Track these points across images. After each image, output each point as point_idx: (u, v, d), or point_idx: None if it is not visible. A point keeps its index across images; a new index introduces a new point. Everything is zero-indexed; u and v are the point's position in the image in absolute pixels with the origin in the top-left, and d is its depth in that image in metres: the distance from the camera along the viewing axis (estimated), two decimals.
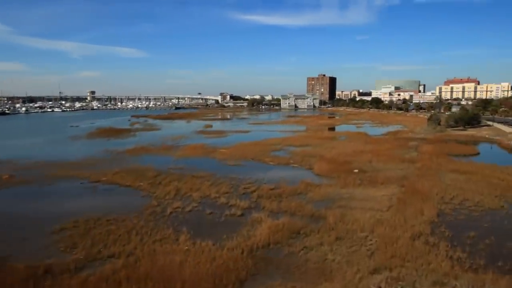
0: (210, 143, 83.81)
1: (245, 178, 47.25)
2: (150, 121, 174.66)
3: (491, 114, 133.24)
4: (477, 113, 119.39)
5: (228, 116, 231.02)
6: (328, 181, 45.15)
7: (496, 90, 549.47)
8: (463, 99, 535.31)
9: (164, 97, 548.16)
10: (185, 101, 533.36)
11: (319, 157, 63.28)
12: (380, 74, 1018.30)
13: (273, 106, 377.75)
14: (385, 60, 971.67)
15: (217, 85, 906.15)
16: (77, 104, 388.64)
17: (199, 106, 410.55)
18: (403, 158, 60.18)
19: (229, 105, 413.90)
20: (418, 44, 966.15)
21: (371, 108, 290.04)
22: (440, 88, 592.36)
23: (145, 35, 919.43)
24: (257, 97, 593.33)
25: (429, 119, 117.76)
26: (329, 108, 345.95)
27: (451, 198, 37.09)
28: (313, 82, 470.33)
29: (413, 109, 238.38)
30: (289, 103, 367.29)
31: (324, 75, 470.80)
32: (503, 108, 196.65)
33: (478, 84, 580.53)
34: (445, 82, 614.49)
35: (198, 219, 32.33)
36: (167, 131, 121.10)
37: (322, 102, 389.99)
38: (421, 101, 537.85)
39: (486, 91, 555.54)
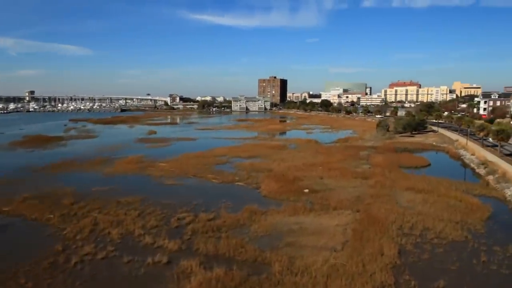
0: (150, 155, 75.90)
1: (182, 204, 40.69)
2: (89, 126, 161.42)
3: (436, 119, 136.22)
4: (423, 119, 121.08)
5: (177, 120, 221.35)
6: (275, 206, 39.75)
7: (436, 93, 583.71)
8: (406, 102, 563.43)
9: (111, 98, 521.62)
10: (134, 102, 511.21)
11: (267, 172, 58.14)
12: (329, 76, 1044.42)
13: (224, 109, 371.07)
14: (335, 63, 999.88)
15: (167, 86, 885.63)
16: (11, 106, 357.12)
17: (147, 108, 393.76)
18: (355, 172, 56.48)
19: (178, 107, 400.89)
20: (365, 47, 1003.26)
21: (320, 111, 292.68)
22: (386, 91, 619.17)
23: (91, 32, 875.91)
24: (209, 98, 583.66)
25: (378, 125, 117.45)
26: (280, 111, 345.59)
27: (410, 227, 33.09)
28: (264, 84, 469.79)
29: (361, 112, 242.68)
30: (240, 105, 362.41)
31: (275, 77, 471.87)
32: (446, 113, 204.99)
33: (420, 87, 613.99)
34: (390, 85, 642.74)
35: (110, 273, 25.40)
36: (105, 139, 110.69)
37: (273, 105, 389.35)
38: (368, 103, 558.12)
39: (427, 94, 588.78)
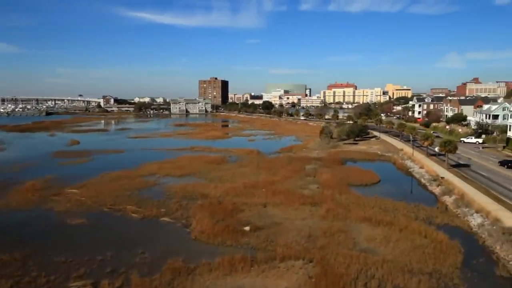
0: (62, 176, 63.27)
1: (82, 262, 30.46)
2: (1, 135, 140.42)
3: (376, 124, 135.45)
4: (365, 125, 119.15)
5: (109, 125, 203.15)
6: (208, 256, 30.99)
7: (371, 94, 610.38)
8: (344, 103, 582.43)
9: (38, 99, 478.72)
10: (65, 103, 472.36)
11: (202, 198, 49.28)
12: (270, 77, 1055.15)
13: (163, 111, 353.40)
14: (275, 64, 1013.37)
15: (102, 87, 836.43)
16: None
17: (77, 111, 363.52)
18: (303, 196, 49.33)
19: (113, 110, 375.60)
20: (304, 49, 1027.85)
21: (262, 113, 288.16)
22: (324, 92, 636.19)
23: (17, 28, 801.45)
24: (147, 99, 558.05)
25: (321, 132, 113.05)
26: (222, 113, 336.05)
27: (378, 286, 26.03)
28: (205, 85, 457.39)
29: (302, 114, 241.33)
30: (179, 108, 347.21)
31: (216, 78, 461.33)
32: (383, 115, 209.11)
33: (356, 88, 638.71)
34: (328, 86, 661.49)
35: None
36: (13, 153, 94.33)
37: (215, 107, 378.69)
38: (308, 105, 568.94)
39: (363, 95, 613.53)
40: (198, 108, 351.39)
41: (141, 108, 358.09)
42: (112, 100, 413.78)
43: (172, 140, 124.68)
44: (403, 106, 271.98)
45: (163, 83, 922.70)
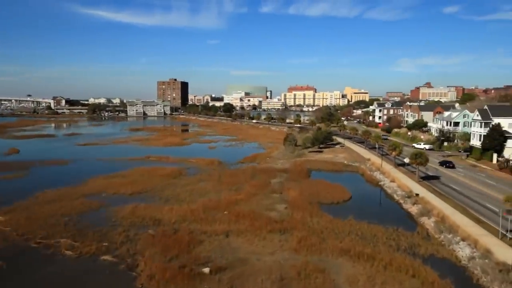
0: None
1: None
2: None
3: (340, 130, 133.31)
4: (330, 131, 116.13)
5: (58, 129, 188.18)
6: None
7: (330, 97, 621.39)
8: (304, 105, 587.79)
9: None
10: (12, 104, 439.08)
11: (154, 225, 42.49)
12: (231, 79, 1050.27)
13: (119, 113, 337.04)
14: (236, 65, 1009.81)
15: (54, 86, 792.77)
16: None
17: (24, 113, 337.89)
18: (270, 220, 43.71)
19: (64, 112, 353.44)
20: (265, 51, 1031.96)
21: (223, 116, 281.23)
22: (285, 95, 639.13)
23: None
24: (103, 101, 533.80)
25: (285, 140, 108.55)
26: (181, 116, 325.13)
27: None
28: (164, 86, 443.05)
29: (264, 118, 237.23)
30: (137, 110, 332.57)
31: (175, 80, 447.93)
32: (344, 119, 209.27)
33: (315, 91, 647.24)
34: (288, 88, 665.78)
35: None
36: None
37: (174, 109, 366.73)
38: (270, 107, 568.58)
39: (323, 98, 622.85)
40: (157, 110, 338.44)
41: (95, 110, 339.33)
42: (63, 101, 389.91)
43: (126, 148, 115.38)
44: (363, 110, 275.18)
45: (121, 84, 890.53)
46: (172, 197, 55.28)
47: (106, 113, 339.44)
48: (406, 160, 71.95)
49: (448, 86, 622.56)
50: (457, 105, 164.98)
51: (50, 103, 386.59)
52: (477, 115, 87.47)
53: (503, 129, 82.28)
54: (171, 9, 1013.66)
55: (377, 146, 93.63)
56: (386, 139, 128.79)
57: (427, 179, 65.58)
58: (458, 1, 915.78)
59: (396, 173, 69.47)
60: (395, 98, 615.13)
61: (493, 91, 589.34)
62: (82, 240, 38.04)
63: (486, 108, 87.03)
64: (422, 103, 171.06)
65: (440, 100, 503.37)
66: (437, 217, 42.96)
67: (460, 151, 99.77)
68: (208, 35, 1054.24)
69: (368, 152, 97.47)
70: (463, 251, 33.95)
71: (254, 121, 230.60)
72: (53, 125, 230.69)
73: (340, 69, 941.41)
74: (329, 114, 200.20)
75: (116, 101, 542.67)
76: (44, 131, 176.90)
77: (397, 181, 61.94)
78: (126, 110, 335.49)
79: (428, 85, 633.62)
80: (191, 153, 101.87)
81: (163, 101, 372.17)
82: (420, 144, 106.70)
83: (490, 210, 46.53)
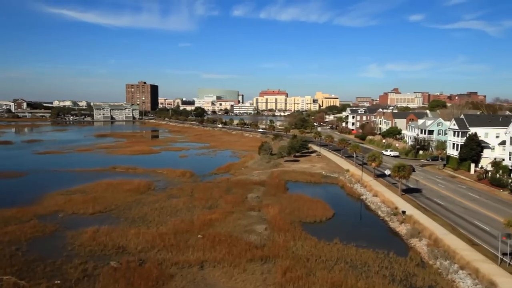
0: None
1: None
2: None
3: (315, 138, 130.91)
4: (305, 139, 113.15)
5: (21, 133, 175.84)
6: None
7: (302, 102, 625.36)
8: (276, 110, 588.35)
9: None
10: None
11: (118, 255, 37.06)
12: (203, 82, 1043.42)
13: (85, 117, 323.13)
14: (207, 69, 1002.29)
15: (14, 88, 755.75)
16: None
17: None
18: (250, 245, 39.30)
19: (25, 115, 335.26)
20: (237, 54, 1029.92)
21: (194, 121, 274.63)
22: (257, 99, 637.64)
23: None
24: (68, 103, 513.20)
25: (260, 148, 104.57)
26: (151, 121, 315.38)
27: None
28: (133, 89, 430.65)
29: (237, 124, 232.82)
30: (104, 114, 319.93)
31: (145, 83, 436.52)
32: (319, 127, 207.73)
33: (287, 96, 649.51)
34: (260, 93, 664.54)
35: None
36: None
37: (143, 113, 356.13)
38: (242, 111, 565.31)
39: (294, 103, 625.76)
40: (125, 114, 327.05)
41: (59, 114, 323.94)
42: (24, 104, 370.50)
43: (91, 157, 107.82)
44: (335, 116, 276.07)
45: (88, 86, 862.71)
46: (139, 217, 49.81)
47: (71, 117, 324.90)
48: (387, 172, 69.55)
49: (415, 92, 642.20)
50: (428, 112, 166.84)
51: (10, 106, 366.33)
52: (454, 124, 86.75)
53: (480, 138, 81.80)
54: (141, 11, 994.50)
55: (355, 155, 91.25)
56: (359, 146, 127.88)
57: (409, 192, 63.27)
58: (422, 9, 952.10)
59: (377, 186, 66.80)
60: (365, 103, 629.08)
61: (457, 97, 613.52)
62: (29, 277, 32.22)
63: (463, 117, 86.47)
64: (395, 110, 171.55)
65: (408, 106, 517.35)
66: (429, 239, 39.94)
67: (428, 160, 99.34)
68: (179, 38, 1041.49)
69: (346, 162, 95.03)
70: (464, 283, 30.80)
71: (226, 126, 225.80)
72: (13, 129, 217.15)
73: (310, 74, 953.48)
74: (302, 120, 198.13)
75: (83, 104, 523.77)
76: (1, 137, 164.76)
77: (380, 196, 59.09)
78: (93, 114, 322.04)
79: (396, 91, 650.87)
80: (161, 163, 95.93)
81: (132, 104, 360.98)
82: (387, 151, 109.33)
83: (481, 229, 44.21)
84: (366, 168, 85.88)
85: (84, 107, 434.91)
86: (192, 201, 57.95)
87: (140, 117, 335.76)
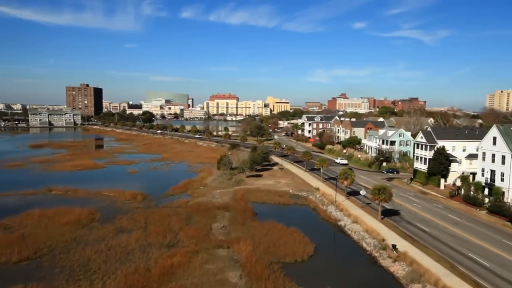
0: None
1: None
2: None
3: (275, 148, 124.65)
4: (267, 152, 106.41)
5: None
6: None
7: (253, 106, 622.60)
8: (228, 114, 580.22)
9: None
10: None
11: None
12: (151, 85, 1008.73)
13: (19, 123, 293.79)
14: (156, 71, 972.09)
15: None
16: None
17: None
18: None
19: None
20: (186, 57, 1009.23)
21: (143, 127, 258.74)
22: (208, 103, 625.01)
23: None
24: (0, 107, 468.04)
25: (219, 162, 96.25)
26: (95, 127, 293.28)
27: None
28: (74, 92, 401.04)
29: (189, 131, 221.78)
30: (41, 119, 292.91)
31: (87, 85, 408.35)
32: (273, 132, 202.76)
33: (238, 100, 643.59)
34: (210, 97, 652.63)
35: None
36: None
37: (86, 118, 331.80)
38: (192, 116, 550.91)
39: (246, 107, 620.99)
40: (65, 120, 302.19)
41: None
42: None
43: (23, 174, 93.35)
44: (289, 122, 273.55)
45: (24, 87, 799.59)
46: (79, 265, 39.63)
47: (3, 122, 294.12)
48: (363, 193, 64.40)
49: (361, 98, 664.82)
50: (383, 120, 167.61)
51: None
52: (421, 137, 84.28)
53: (447, 152, 79.74)
54: (84, 9, 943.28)
55: (322, 170, 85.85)
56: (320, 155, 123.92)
57: (387, 214, 58.38)
58: (365, 18, 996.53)
59: (353, 208, 61.35)
60: (314, 108, 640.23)
61: (400, 102, 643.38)
62: None
63: (430, 130, 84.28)
64: (347, 119, 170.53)
65: (356, 110, 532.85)
66: (435, 286, 34.17)
67: (390, 172, 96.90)
68: (125, 39, 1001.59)
69: (312, 177, 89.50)
70: None
71: (178, 133, 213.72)
72: None
73: (260, 77, 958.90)
74: (258, 128, 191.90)
75: (17, 107, 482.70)
76: None
77: (360, 222, 53.41)
78: (28, 120, 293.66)
79: (344, 96, 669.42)
80: (107, 181, 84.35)
81: (73, 109, 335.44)
82: (338, 159, 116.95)
83: (481, 265, 39.58)
84: (332, 183, 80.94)
85: (19, 111, 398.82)
86: (146, 236, 48.46)
87: (83, 122, 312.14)
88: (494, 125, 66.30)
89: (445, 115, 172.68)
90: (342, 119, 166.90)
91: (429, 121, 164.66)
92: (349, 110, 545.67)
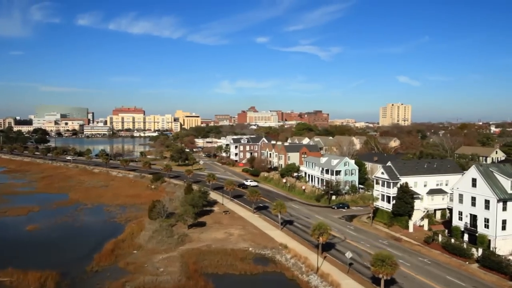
0: None
1: None
2: None
3: (208, 181, 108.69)
4: (205, 191, 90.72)
5: None
6: None
7: (162, 121, 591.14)
8: (135, 130, 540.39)
9: None
10: None
11: None
12: (41, 97, 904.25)
13: None
14: (47, 80, 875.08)
15: None
16: None
17: None
18: None
19: None
20: (82, 66, 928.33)
21: (38, 152, 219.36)
22: (111, 118, 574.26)
23: None
24: None
25: (151, 210, 77.95)
26: None
27: None
28: None
29: (96, 155, 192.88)
30: None
31: None
32: (188, 150, 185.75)
33: (144, 114, 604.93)
34: (114, 110, 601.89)
35: None
36: None
37: None
38: (94, 132, 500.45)
39: (154, 121, 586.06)
40: None
41: None
42: None
43: None
44: (208, 141, 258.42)
45: None
46: None
47: None
48: (348, 255, 53.44)
49: (270, 111, 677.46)
50: (312, 142, 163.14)
51: None
52: (382, 173, 77.67)
53: (410, 188, 74.15)
54: None
55: (279, 216, 73.60)
56: (257, 186, 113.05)
57: (386, 284, 48.17)
58: (267, 33, 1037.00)
59: (341, 276, 49.98)
60: (224, 121, 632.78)
61: (306, 115, 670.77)
62: None
63: (391, 165, 78.07)
64: (286, 143, 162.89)
65: (267, 124, 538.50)
66: None
67: (338, 207, 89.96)
68: (9, 45, 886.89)
69: (267, 224, 76.83)
70: None
71: (83, 159, 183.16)
72: None
73: (166, 89, 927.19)
74: (180, 152, 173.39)
75: None
76: None
77: None
78: None
79: (253, 109, 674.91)
80: None
81: None
82: (247, 181, 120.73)
83: None
84: (289, 228, 70.00)
85: None
86: None
87: None
88: (473, 165, 61.37)
89: (371, 137, 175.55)
90: (273, 142, 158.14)
91: (355, 141, 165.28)
92: (260, 123, 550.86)
